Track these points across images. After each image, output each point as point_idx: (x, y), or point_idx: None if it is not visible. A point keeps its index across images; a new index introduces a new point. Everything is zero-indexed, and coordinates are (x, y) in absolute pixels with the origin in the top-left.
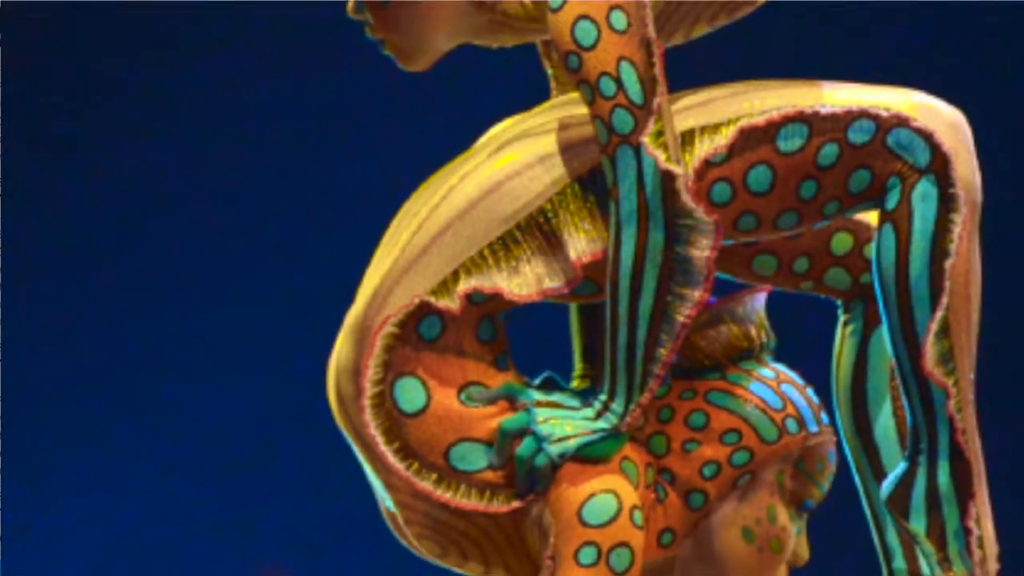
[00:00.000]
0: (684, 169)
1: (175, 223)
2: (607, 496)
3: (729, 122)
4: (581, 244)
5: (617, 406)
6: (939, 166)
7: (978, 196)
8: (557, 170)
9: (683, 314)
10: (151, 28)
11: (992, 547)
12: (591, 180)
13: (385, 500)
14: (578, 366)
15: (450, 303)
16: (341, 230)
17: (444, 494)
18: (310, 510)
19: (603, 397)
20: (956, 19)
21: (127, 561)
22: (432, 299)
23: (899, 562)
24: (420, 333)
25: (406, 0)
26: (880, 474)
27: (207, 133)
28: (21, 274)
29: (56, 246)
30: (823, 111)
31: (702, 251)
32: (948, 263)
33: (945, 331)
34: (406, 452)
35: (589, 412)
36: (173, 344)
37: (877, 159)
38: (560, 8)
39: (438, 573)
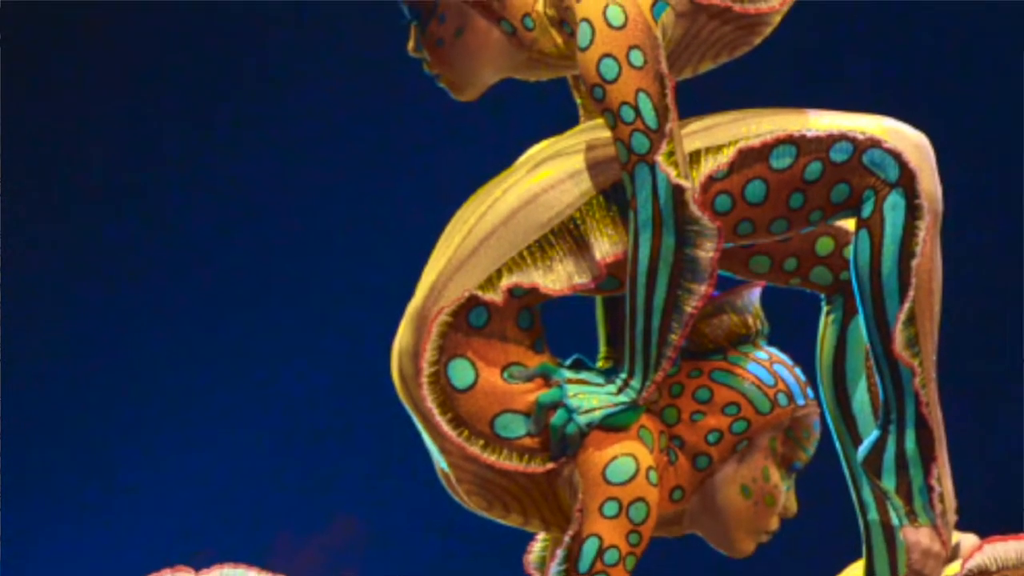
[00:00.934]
0: (691, 183)
1: (271, 231)
2: (627, 459)
3: (729, 144)
4: (605, 246)
5: (635, 383)
6: (906, 181)
7: (939, 206)
8: (584, 184)
9: (691, 305)
10: (247, 67)
11: (951, 502)
12: (613, 192)
13: (440, 462)
14: (602, 349)
15: (495, 296)
16: (403, 235)
17: (490, 457)
18: (376, 470)
19: (623, 375)
20: (920, 57)
21: (225, 512)
22: (480, 293)
23: (873, 514)
24: (470, 321)
25: (457, 41)
26: (857, 440)
27: (299, 156)
28: (138, 270)
29: (167, 246)
30: (809, 134)
31: (707, 252)
32: (914, 263)
33: (911, 320)
34: (458, 422)
35: (612, 388)
36: (267, 331)
37: (854, 175)
38: (588, 48)
39: (483, 523)
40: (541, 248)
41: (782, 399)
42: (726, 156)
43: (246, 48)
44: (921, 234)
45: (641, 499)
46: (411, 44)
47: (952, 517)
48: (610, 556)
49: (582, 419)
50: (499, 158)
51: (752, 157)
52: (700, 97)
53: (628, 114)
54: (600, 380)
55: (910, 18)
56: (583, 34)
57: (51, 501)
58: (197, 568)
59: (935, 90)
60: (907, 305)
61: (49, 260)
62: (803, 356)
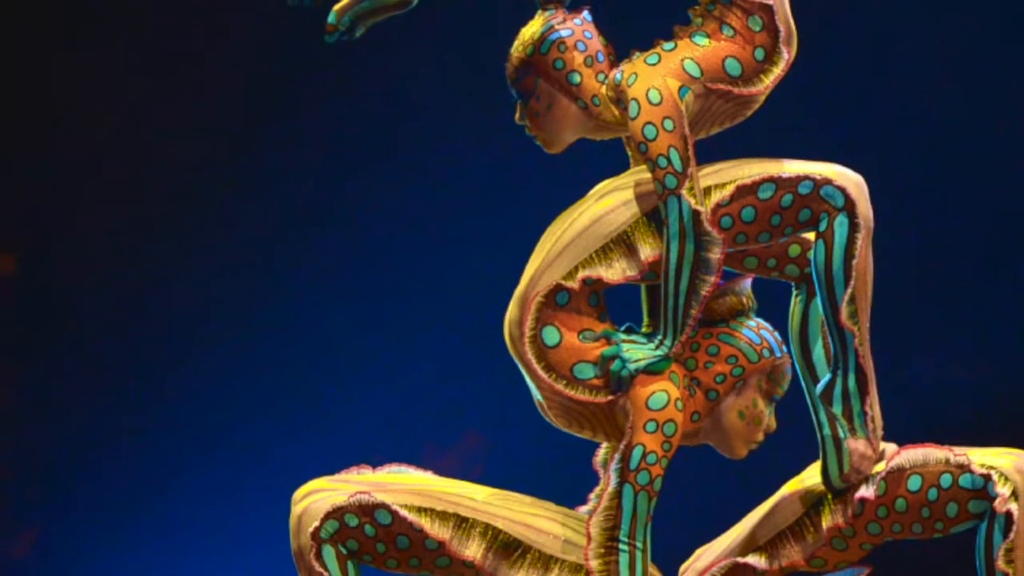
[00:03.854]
0: (705, 209)
1: (407, 241)
2: (662, 393)
3: (730, 182)
4: (647, 250)
5: (668, 342)
6: (849, 207)
7: (871, 224)
8: (633, 209)
9: (704, 290)
10: (373, 94)
11: (879, 422)
12: (653, 215)
13: (536, 395)
14: (645, 320)
15: (573, 284)
16: (512, 242)
17: (570, 392)
18: (495, 400)
19: (659, 337)
20: (861, 118)
21: (389, 431)
22: (563, 282)
23: (827, 430)
24: (556, 301)
25: (548, 114)
26: (816, 381)
27: (434, 187)
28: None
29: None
30: (784, 175)
31: (715, 255)
32: (854, 262)
33: (852, 300)
34: (548, 368)
35: (652, 345)
36: (425, 304)
37: (814, 203)
38: (636, 118)
39: (566, 437)
40: (604, 252)
41: (766, 353)
42: (728, 191)
43: (371, 79)
44: (859, 243)
45: (671, 420)
46: (517, 115)
47: (880, 432)
48: (651, 458)
49: (632, 366)
50: (576, 191)
51: (745, 191)
52: (711, 150)
53: (663, 162)
54: (644, 340)
55: (856, 97)
56: (632, 109)
57: (265, 412)
58: (374, 467)
59: (868, 147)
60: (849, 290)
61: (193, 254)
62: (780, 324)
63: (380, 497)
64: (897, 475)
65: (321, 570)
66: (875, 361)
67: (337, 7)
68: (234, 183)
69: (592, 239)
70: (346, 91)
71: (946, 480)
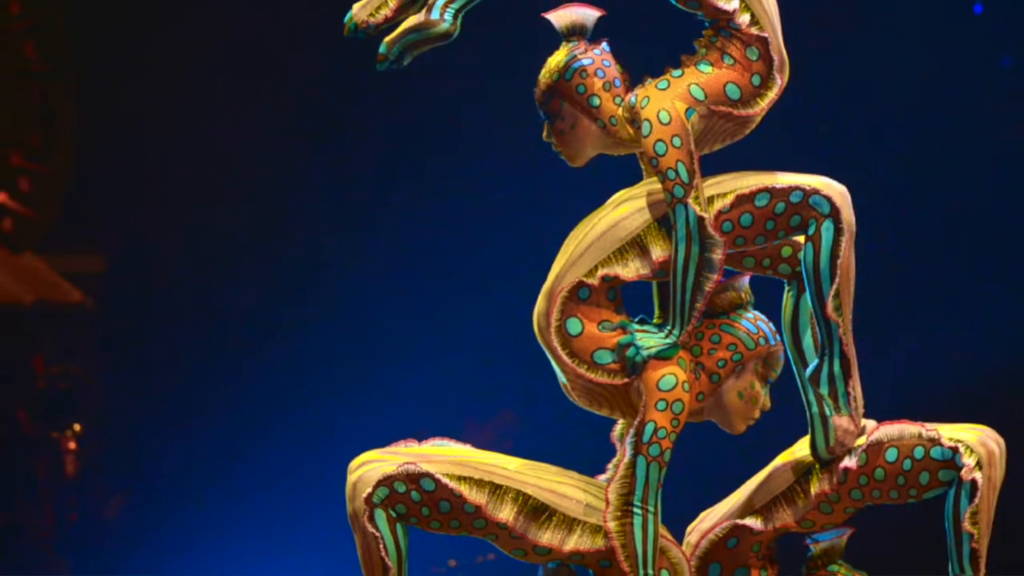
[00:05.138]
0: (708, 215)
1: (449, 243)
2: (671, 376)
3: (731, 192)
4: (658, 252)
5: (676, 332)
6: (835, 214)
7: (854, 228)
8: (646, 215)
9: (708, 286)
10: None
11: (860, 402)
12: (663, 220)
13: (561, 378)
14: (656, 312)
15: (593, 281)
16: (539, 245)
17: (590, 375)
18: (525, 381)
19: (669, 327)
20: (844, 135)
21: (430, 410)
22: (585, 279)
23: (815, 408)
24: (579, 296)
25: (572, 132)
26: (806, 365)
27: (473, 197)
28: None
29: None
30: (777, 186)
31: (717, 255)
32: (839, 262)
33: (837, 295)
34: (572, 354)
35: (662, 334)
36: (475, 299)
37: (804, 210)
38: (648, 136)
39: (587, 415)
40: (620, 253)
41: (762, 341)
42: (728, 199)
43: (418, 102)
44: (843, 245)
45: (679, 400)
46: (544, 134)
47: (861, 410)
48: (661, 433)
49: (645, 353)
50: (595, 200)
51: (744, 199)
52: (713, 164)
53: (671, 175)
54: (655, 330)
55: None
56: (645, 128)
57: (325, 392)
58: (420, 440)
59: (851, 160)
60: (835, 286)
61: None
62: (774, 316)
63: (425, 467)
64: (876, 448)
65: (373, 531)
66: (857, 348)
67: (387, 39)
68: (298, 192)
69: (610, 242)
70: (396, 112)
71: (919, 452)
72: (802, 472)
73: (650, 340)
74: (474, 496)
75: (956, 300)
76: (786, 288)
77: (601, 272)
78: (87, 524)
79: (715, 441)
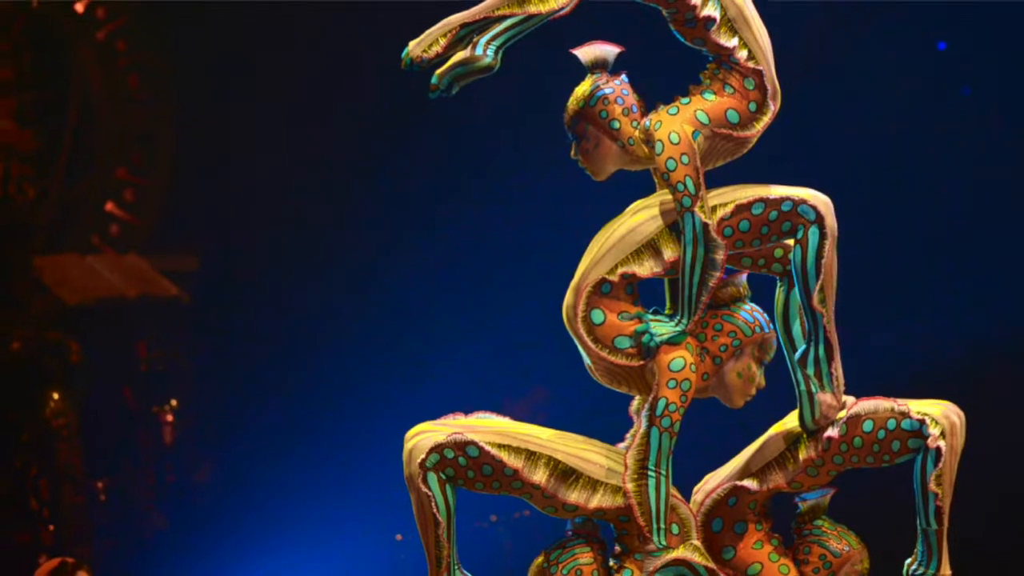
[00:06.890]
0: (712, 222)
1: (491, 245)
2: (680, 358)
3: (731, 202)
4: (669, 253)
5: (685, 320)
6: (820, 221)
7: (836, 233)
8: (659, 222)
9: (712, 283)
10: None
11: (841, 381)
12: (674, 226)
13: (586, 360)
14: (668, 304)
15: (614, 278)
16: (568, 246)
17: (611, 358)
18: (556, 362)
19: (678, 317)
20: (828, 153)
21: (474, 390)
22: (607, 276)
23: (802, 386)
24: (602, 290)
25: (595, 151)
26: (795, 349)
27: (511, 205)
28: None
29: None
30: (771, 197)
31: (719, 256)
32: (823, 261)
33: (822, 289)
34: (595, 340)
35: (672, 323)
36: (511, 295)
37: (793, 217)
38: (660, 154)
39: (608, 391)
40: (637, 254)
41: (758, 329)
42: (729, 208)
43: (465, 124)
44: (827, 247)
45: (687, 379)
46: (572, 152)
47: (842, 388)
48: (671, 407)
49: (657, 339)
50: (615, 208)
51: (742, 208)
52: (716, 178)
53: (680, 187)
54: (667, 319)
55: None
56: (658, 147)
57: (385, 372)
58: (466, 414)
59: (834, 174)
60: (819, 282)
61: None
62: (767, 307)
63: (470, 436)
64: (855, 420)
65: (427, 491)
66: (839, 335)
67: (438, 71)
68: (361, 203)
69: (628, 244)
70: (446, 134)
71: (891, 424)
72: (792, 441)
73: (662, 328)
74: (512, 461)
75: (923, 295)
76: (778, 284)
77: (621, 270)
78: (182, 485)
79: (717, 414)
